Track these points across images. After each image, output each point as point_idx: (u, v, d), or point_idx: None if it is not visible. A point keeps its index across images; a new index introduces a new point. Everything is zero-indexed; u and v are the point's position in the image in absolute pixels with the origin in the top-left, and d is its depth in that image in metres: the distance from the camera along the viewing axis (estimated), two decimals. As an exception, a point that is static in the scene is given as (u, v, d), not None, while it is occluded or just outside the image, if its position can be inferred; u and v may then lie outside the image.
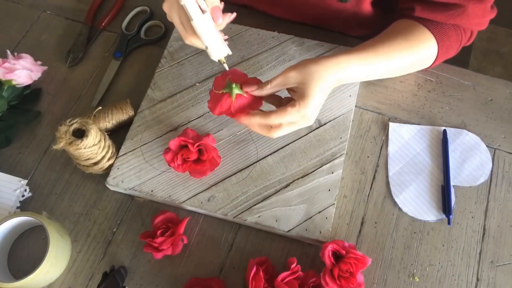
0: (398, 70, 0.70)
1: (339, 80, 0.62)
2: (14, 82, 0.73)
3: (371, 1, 0.78)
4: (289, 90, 0.62)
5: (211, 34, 0.57)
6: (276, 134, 0.60)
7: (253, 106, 0.61)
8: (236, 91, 0.59)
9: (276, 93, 0.62)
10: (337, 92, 0.74)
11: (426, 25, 0.68)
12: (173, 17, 0.59)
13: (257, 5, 0.85)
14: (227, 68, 0.62)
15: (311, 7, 0.79)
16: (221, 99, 0.60)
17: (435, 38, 0.67)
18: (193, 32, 0.57)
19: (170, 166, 0.66)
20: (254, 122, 0.60)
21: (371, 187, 0.69)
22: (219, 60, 0.61)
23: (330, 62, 0.60)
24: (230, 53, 0.61)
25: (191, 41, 0.60)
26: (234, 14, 0.62)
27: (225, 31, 0.80)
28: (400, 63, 0.68)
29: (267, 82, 0.60)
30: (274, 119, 0.59)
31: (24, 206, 0.69)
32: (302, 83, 0.59)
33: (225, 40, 0.61)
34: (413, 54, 0.67)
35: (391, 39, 0.66)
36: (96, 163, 0.66)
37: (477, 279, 0.63)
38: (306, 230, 0.64)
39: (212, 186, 0.67)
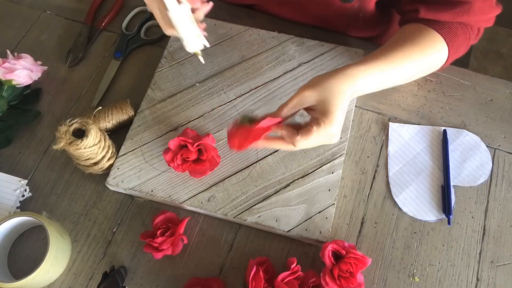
0: (411, 76, 0.69)
1: (354, 93, 0.60)
2: (14, 82, 0.73)
3: (375, 2, 0.78)
4: (308, 110, 0.59)
5: (187, 26, 0.57)
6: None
7: (272, 128, 0.59)
8: (251, 118, 0.58)
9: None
10: (337, 92, 0.74)
11: (433, 26, 0.67)
12: (153, 8, 0.59)
13: (262, 5, 0.84)
14: (203, 61, 0.61)
15: (315, 6, 0.79)
16: (238, 133, 0.59)
17: (444, 39, 0.66)
18: (172, 23, 0.57)
19: (170, 166, 0.66)
20: (277, 147, 0.60)
21: (371, 187, 0.69)
22: (194, 53, 0.60)
23: (344, 75, 0.58)
24: (208, 45, 0.59)
25: (171, 32, 0.59)
26: (211, 4, 0.60)
27: (225, 31, 0.80)
28: (412, 69, 0.67)
29: (283, 106, 0.58)
30: (299, 144, 0.57)
31: (24, 206, 0.69)
32: (321, 100, 0.57)
33: (203, 31, 0.60)
34: (424, 58, 0.66)
35: (401, 46, 0.65)
36: (96, 163, 0.66)
37: (477, 279, 0.63)
38: (306, 230, 0.64)
39: (212, 186, 0.67)
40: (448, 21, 0.67)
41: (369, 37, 0.87)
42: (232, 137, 0.59)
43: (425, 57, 0.66)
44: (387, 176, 0.70)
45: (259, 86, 0.75)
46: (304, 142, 0.57)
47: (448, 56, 0.68)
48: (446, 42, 0.67)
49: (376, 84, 0.63)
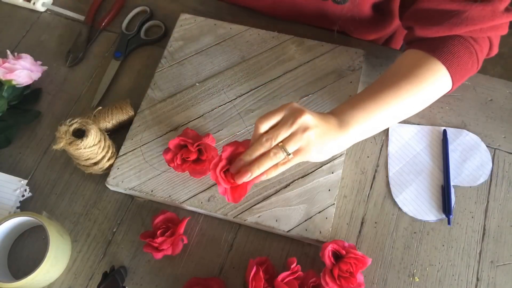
0: (412, 110, 0.65)
1: (342, 146, 0.61)
2: (14, 82, 0.73)
3: (372, 4, 0.77)
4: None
5: None
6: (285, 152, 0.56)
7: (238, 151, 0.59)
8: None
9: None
10: (336, 92, 0.74)
11: (431, 51, 0.63)
12: None
13: (257, 6, 0.84)
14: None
15: (309, 9, 0.79)
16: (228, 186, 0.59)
17: (444, 65, 0.62)
18: None
19: (169, 166, 0.66)
20: (269, 164, 0.56)
21: (371, 187, 0.69)
22: None
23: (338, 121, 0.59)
24: None
25: None
26: None
27: (225, 31, 0.80)
28: (410, 105, 0.63)
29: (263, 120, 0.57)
30: (262, 125, 0.56)
31: (24, 206, 0.69)
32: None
33: None
34: (420, 90, 0.62)
35: (392, 85, 0.62)
36: (96, 163, 0.66)
37: (477, 279, 0.63)
38: (306, 230, 0.64)
39: (212, 186, 0.67)
40: (447, 36, 0.63)
41: (371, 40, 0.87)
42: (227, 194, 0.59)
43: (421, 89, 0.62)
44: (387, 176, 0.70)
45: (259, 86, 0.75)
46: (265, 123, 0.56)
47: (453, 80, 0.64)
48: (447, 68, 0.62)
49: (371, 131, 0.62)
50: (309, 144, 0.56)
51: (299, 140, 0.55)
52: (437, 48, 0.63)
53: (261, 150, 0.56)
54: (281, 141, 0.55)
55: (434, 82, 0.63)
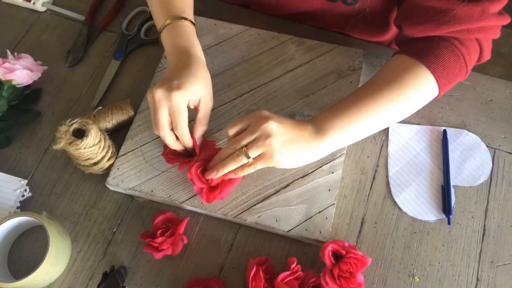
0: (396, 118, 0.64)
1: (318, 152, 0.62)
2: (14, 82, 0.73)
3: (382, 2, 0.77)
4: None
5: None
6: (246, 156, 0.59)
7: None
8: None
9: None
10: (336, 92, 0.74)
11: (413, 53, 0.62)
12: None
13: (261, 4, 0.84)
14: None
15: (317, 12, 0.78)
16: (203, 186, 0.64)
17: (431, 71, 0.61)
18: None
19: (163, 157, 0.67)
20: (231, 167, 0.60)
21: (371, 187, 0.69)
22: None
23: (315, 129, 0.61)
24: None
25: None
26: None
27: (225, 31, 0.80)
28: (393, 113, 0.62)
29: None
30: (230, 130, 0.61)
31: (24, 206, 0.69)
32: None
33: None
34: (404, 98, 0.62)
35: (375, 93, 0.61)
36: (96, 163, 0.66)
37: (477, 279, 0.63)
38: (306, 230, 0.64)
39: (212, 186, 0.67)
40: (433, 39, 0.62)
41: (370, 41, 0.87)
42: (202, 193, 0.64)
43: (405, 99, 0.62)
44: (387, 176, 0.70)
45: (259, 86, 0.75)
46: (232, 129, 0.61)
47: (439, 85, 0.63)
48: (432, 72, 0.61)
49: (351, 139, 0.63)
50: (270, 151, 0.59)
51: (261, 146, 0.58)
52: (422, 52, 0.62)
53: (228, 152, 0.61)
54: (245, 146, 0.59)
55: (419, 88, 0.62)
